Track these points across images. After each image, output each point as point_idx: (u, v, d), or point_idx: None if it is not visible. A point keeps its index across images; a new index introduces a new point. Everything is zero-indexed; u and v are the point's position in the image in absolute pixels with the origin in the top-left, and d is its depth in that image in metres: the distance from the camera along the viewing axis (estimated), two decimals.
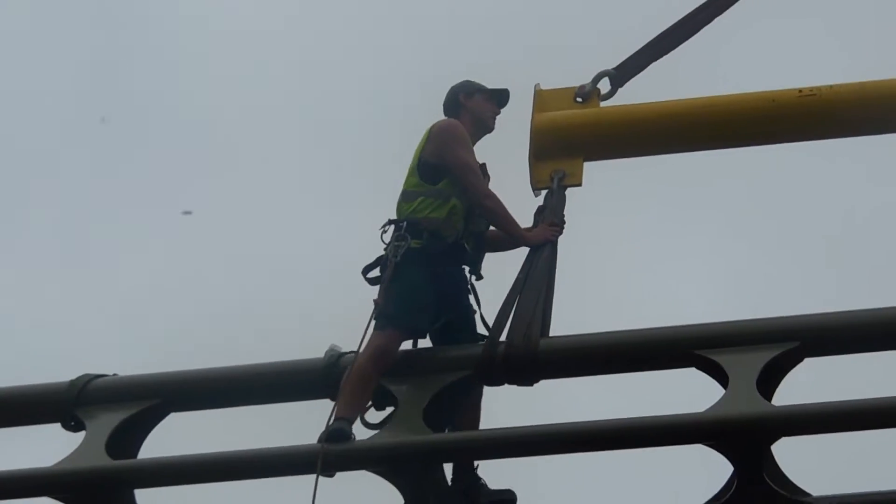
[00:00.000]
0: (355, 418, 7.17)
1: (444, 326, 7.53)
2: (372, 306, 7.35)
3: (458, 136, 7.64)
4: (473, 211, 7.64)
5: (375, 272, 7.53)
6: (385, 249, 7.54)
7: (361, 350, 7.25)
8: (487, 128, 7.90)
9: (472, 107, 7.91)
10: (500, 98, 7.97)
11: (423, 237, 7.47)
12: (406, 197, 7.63)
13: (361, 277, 7.58)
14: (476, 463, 7.61)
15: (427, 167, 7.61)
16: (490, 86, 7.91)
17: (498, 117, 7.89)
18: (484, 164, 7.82)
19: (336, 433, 6.95)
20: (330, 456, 7.02)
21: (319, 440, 7.07)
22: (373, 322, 7.41)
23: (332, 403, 7.36)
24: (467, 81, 7.93)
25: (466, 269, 7.75)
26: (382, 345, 7.25)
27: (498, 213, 7.58)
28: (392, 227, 7.54)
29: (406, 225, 7.54)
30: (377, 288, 7.47)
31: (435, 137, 7.62)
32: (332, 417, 7.08)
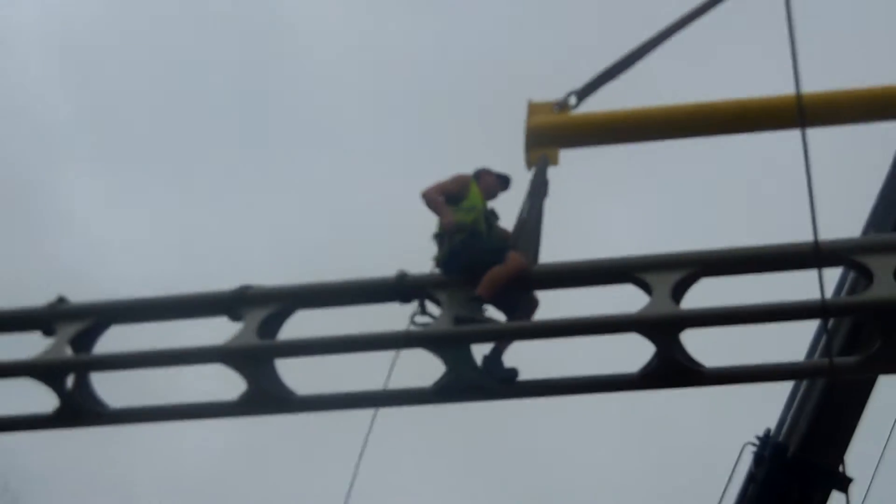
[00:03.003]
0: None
1: None
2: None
3: (442, 183, 10.03)
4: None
5: None
6: None
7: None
8: (494, 196, 10.23)
9: (487, 181, 10.25)
10: (504, 181, 10.31)
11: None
12: None
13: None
14: (502, 348, 9.67)
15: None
16: (500, 170, 10.24)
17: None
18: (508, 178, 10.23)
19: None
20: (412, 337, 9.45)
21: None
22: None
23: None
24: (485, 168, 10.26)
25: None
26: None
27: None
28: None
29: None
30: None
31: None
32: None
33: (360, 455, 9.83)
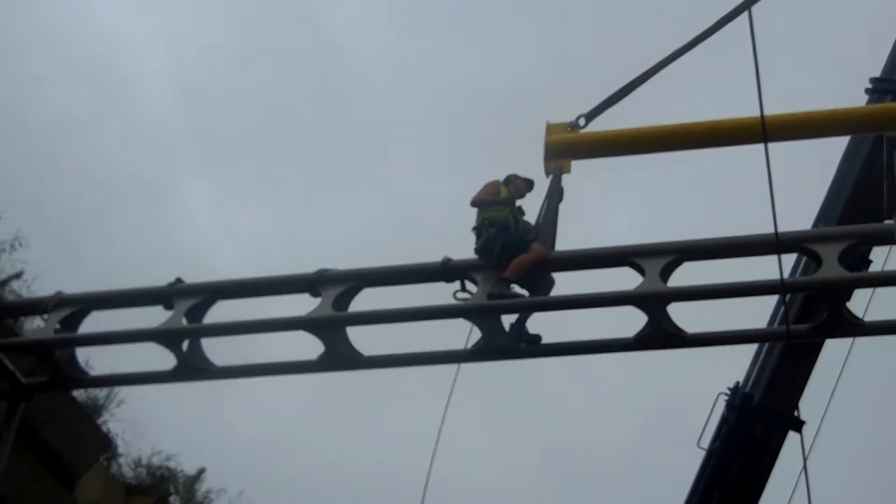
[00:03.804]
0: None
1: None
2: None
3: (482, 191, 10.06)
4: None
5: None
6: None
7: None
8: (522, 195, 10.18)
9: (516, 185, 10.17)
10: (530, 184, 10.25)
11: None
12: None
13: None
14: (525, 318, 9.78)
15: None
16: (526, 175, 10.18)
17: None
18: (532, 181, 10.18)
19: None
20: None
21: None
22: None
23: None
24: (514, 174, 10.21)
25: None
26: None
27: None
28: None
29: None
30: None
31: None
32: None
33: (446, 408, 9.66)
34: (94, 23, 34.61)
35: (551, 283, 9.95)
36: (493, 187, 10.19)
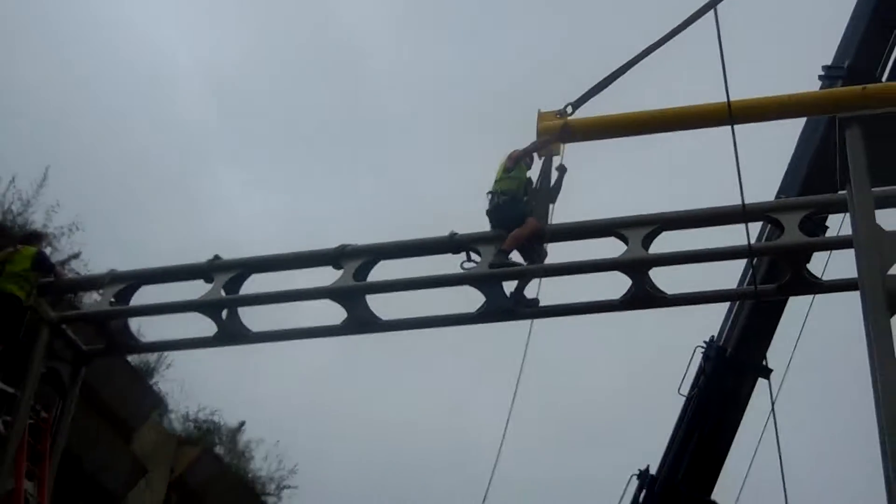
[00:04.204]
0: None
1: None
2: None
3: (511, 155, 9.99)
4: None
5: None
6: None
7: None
8: (529, 167, 10.09)
9: (526, 161, 10.05)
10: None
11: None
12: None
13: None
14: (524, 284, 9.80)
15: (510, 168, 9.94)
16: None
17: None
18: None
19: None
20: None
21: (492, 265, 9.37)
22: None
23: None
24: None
25: None
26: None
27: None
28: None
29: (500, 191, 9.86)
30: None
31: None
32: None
33: (521, 369, 9.45)
34: (136, 28, 34.74)
35: (545, 253, 9.97)
36: (514, 158, 10.15)
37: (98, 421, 13.62)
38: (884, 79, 10.71)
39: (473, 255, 9.94)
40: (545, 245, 9.94)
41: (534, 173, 10.34)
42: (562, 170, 10.17)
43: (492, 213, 9.97)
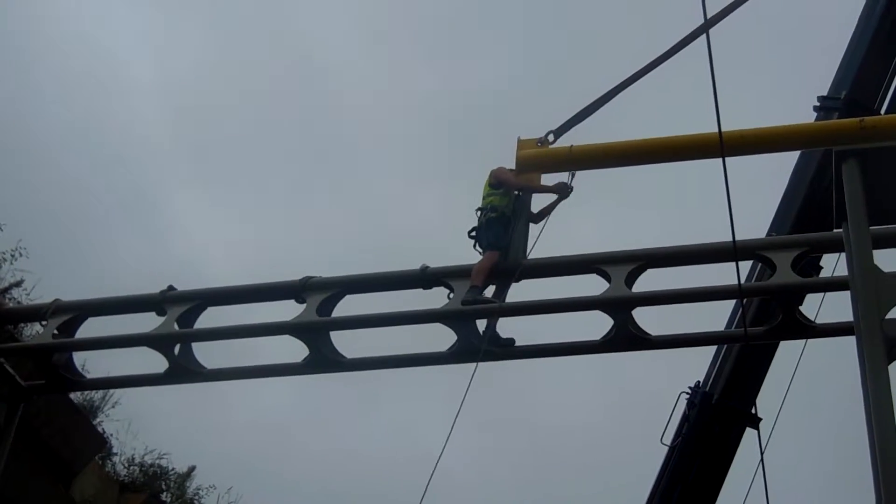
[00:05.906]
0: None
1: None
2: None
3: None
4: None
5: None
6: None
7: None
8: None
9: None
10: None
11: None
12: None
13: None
14: (496, 322, 9.68)
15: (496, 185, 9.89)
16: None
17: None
18: None
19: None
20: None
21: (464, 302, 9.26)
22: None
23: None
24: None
25: None
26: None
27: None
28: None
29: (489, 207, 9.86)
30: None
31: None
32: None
33: (459, 408, 9.35)
34: (93, 42, 34.68)
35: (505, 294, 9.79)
36: (503, 173, 10.11)
37: (35, 464, 13.38)
38: (882, 111, 10.70)
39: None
40: (511, 284, 9.75)
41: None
42: (563, 192, 10.07)
43: (480, 232, 9.86)
